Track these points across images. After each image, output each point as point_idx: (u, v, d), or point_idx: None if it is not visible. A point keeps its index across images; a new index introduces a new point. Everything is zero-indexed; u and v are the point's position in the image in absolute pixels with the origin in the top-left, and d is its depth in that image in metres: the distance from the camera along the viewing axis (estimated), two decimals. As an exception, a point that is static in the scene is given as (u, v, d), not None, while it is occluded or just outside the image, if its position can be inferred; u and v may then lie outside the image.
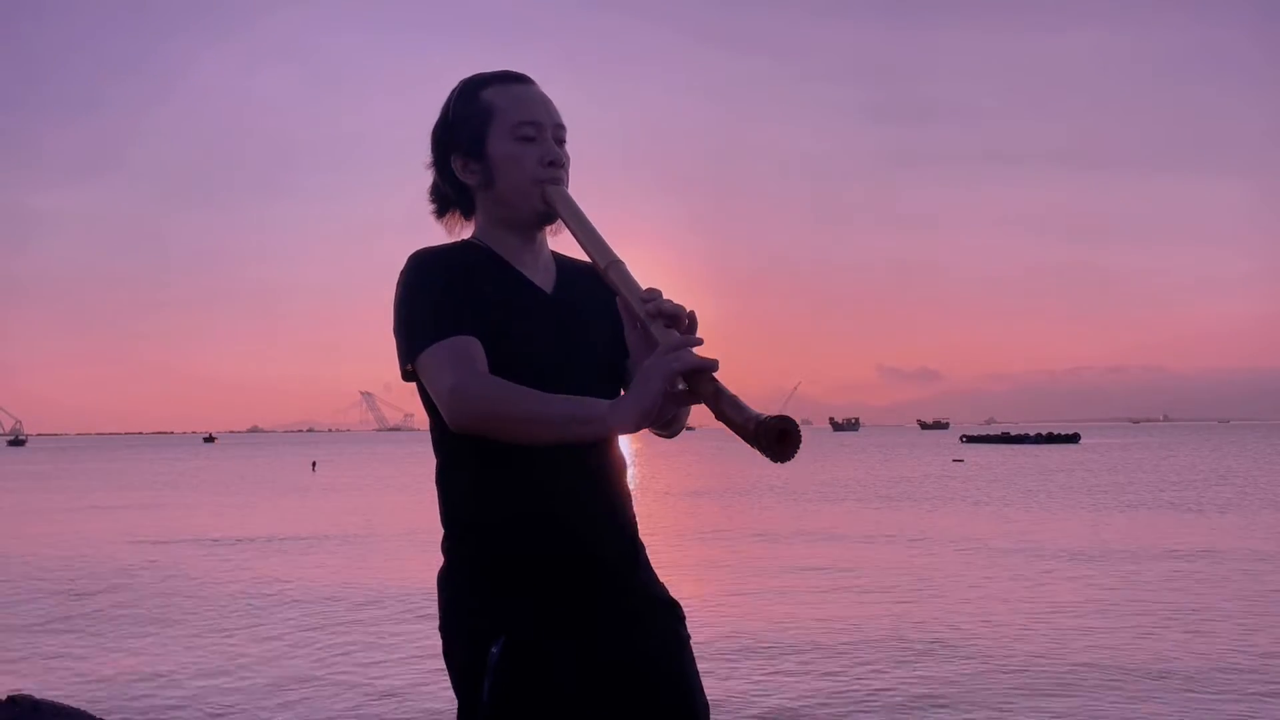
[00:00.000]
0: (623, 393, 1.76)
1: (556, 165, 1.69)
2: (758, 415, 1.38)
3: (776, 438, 1.35)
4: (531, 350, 1.64)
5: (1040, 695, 6.20)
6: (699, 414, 1.83)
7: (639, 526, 1.76)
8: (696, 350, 1.46)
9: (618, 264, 1.60)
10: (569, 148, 1.74)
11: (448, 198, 1.76)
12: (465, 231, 1.77)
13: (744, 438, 1.39)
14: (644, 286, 1.55)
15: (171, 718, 6.00)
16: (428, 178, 1.79)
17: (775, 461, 1.37)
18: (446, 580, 1.67)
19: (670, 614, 1.71)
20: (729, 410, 1.41)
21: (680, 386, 1.45)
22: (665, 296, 1.53)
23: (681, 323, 1.51)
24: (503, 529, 1.62)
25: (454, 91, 1.74)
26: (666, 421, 1.67)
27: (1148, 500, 21.36)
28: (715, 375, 1.44)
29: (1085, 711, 5.87)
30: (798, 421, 1.35)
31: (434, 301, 1.61)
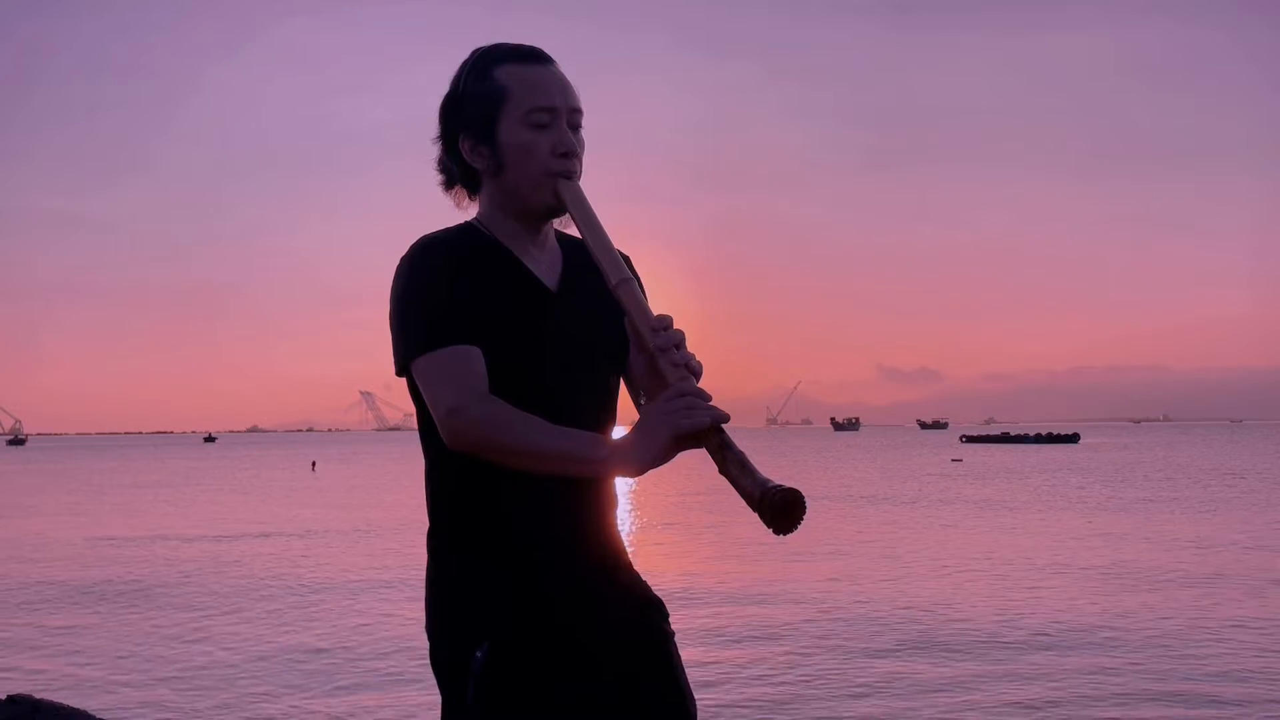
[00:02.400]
0: (623, 385, 1.75)
1: (570, 155, 1.62)
2: (765, 482, 1.34)
3: (781, 511, 1.32)
4: (534, 348, 1.60)
5: (1028, 686, 6.21)
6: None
7: (629, 527, 1.75)
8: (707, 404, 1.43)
9: (628, 283, 1.56)
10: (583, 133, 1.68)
11: (455, 176, 1.69)
12: (470, 209, 1.71)
13: (748, 503, 1.36)
14: (655, 314, 1.53)
15: (171, 718, 6.01)
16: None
17: (776, 534, 1.34)
18: (433, 581, 1.65)
19: (655, 611, 1.70)
20: (734, 471, 1.38)
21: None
22: (675, 325, 1.52)
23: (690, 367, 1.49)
24: (489, 530, 1.61)
25: (466, 63, 1.66)
26: None
27: (1146, 500, 21.38)
28: (724, 429, 1.42)
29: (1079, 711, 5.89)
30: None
31: (436, 302, 1.56)
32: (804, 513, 1.33)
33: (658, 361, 1.50)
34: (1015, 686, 6.41)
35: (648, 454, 1.44)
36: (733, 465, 1.38)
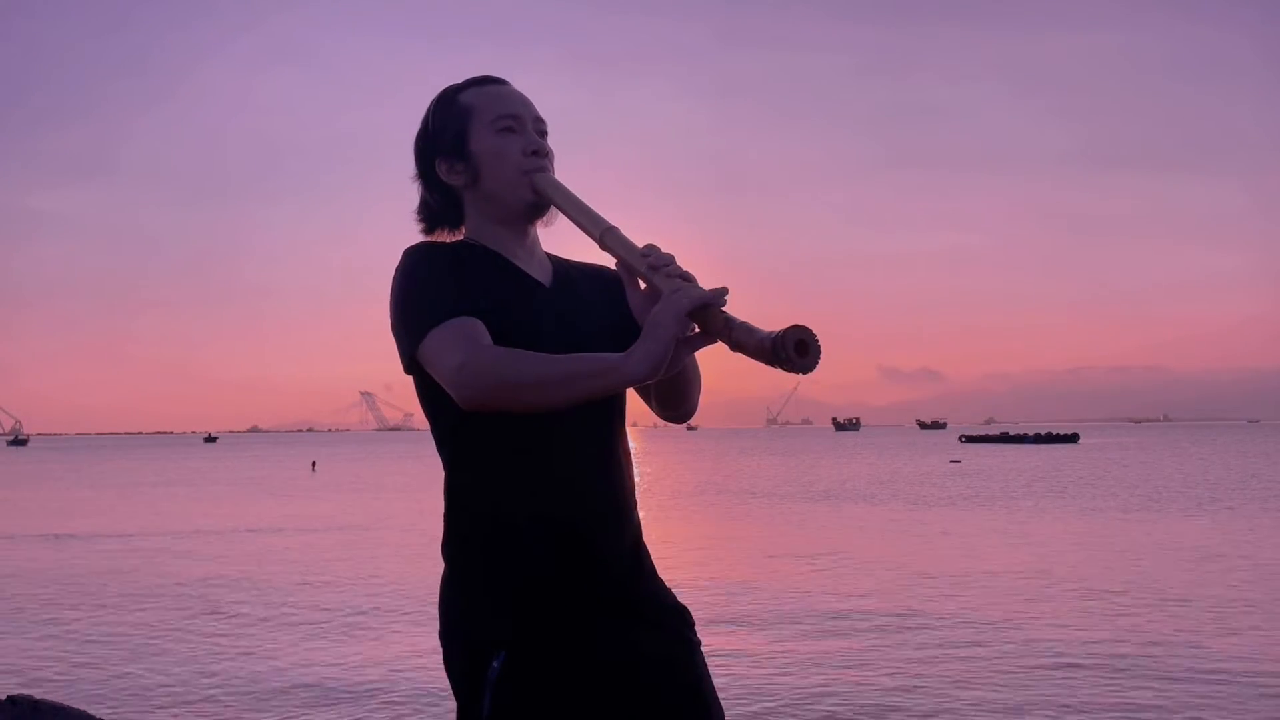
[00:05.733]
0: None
1: (540, 154, 1.68)
2: (771, 333, 1.37)
3: (796, 349, 1.34)
4: (530, 341, 1.60)
5: (1026, 694, 6.21)
6: (703, 415, 1.83)
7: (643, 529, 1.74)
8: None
9: (612, 230, 1.60)
10: (552, 143, 1.73)
11: (435, 212, 1.74)
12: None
13: (764, 359, 1.37)
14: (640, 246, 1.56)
15: (172, 718, 6.00)
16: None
17: (800, 373, 1.37)
18: (448, 587, 1.63)
19: (679, 619, 1.68)
20: (743, 337, 1.39)
21: (692, 329, 1.45)
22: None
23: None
24: (507, 535, 1.59)
25: (432, 103, 1.74)
26: (677, 399, 1.67)
27: (1140, 500, 21.37)
28: (724, 310, 1.43)
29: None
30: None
31: (432, 289, 1.58)
32: (819, 348, 1.35)
33: (653, 280, 1.52)
34: (1014, 688, 6.41)
35: (658, 345, 1.41)
36: (740, 333, 1.40)
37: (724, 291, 1.43)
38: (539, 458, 1.59)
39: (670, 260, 1.52)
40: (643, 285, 1.57)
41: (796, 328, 1.34)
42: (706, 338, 1.45)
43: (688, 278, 1.50)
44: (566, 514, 1.60)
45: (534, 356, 1.48)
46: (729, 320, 1.41)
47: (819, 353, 1.35)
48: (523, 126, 1.69)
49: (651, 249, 1.53)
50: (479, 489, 1.61)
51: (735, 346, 1.41)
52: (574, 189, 1.69)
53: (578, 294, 1.72)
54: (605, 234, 1.60)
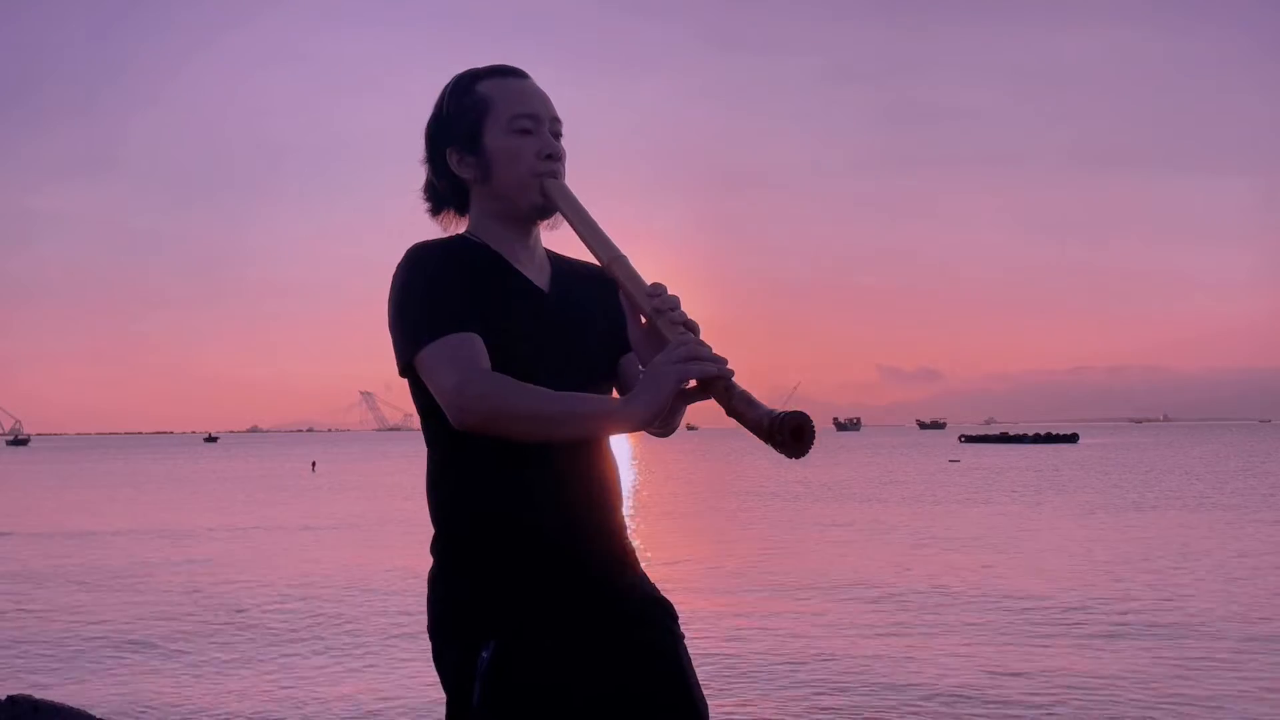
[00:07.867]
0: (615, 394, 1.76)
1: (554, 158, 1.67)
2: (771, 412, 1.38)
3: (791, 435, 1.35)
4: (528, 347, 1.62)
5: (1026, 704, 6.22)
6: (702, 413, 1.83)
7: (630, 527, 1.76)
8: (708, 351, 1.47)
9: (621, 259, 1.60)
10: (564, 143, 1.73)
11: (442, 195, 1.74)
12: (460, 228, 1.75)
13: (758, 435, 1.39)
14: (648, 282, 1.56)
15: (171, 717, 6.01)
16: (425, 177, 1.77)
17: (790, 458, 1.38)
18: (436, 582, 1.65)
19: (662, 612, 1.70)
20: (742, 407, 1.41)
21: (691, 384, 1.46)
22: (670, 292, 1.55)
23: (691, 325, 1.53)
24: (494, 530, 1.61)
25: (448, 86, 1.72)
26: (664, 421, 1.66)
27: (1136, 500, 21.39)
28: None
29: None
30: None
31: (433, 297, 1.58)
32: (813, 436, 1.36)
33: (657, 322, 1.53)
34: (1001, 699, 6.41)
35: (654, 403, 1.45)
36: (739, 402, 1.42)
37: (726, 364, 1.45)
38: (527, 457, 1.61)
39: (676, 304, 1.53)
40: (644, 321, 1.58)
41: (796, 414, 1.36)
42: (704, 395, 1.48)
43: (691, 326, 1.51)
44: (553, 512, 1.62)
45: (532, 391, 1.50)
46: (729, 387, 1.44)
47: (813, 440, 1.36)
48: (539, 127, 1.67)
49: (659, 289, 1.54)
50: (468, 488, 1.63)
51: (731, 413, 1.43)
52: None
53: (576, 300, 1.73)
54: (613, 262, 1.60)
